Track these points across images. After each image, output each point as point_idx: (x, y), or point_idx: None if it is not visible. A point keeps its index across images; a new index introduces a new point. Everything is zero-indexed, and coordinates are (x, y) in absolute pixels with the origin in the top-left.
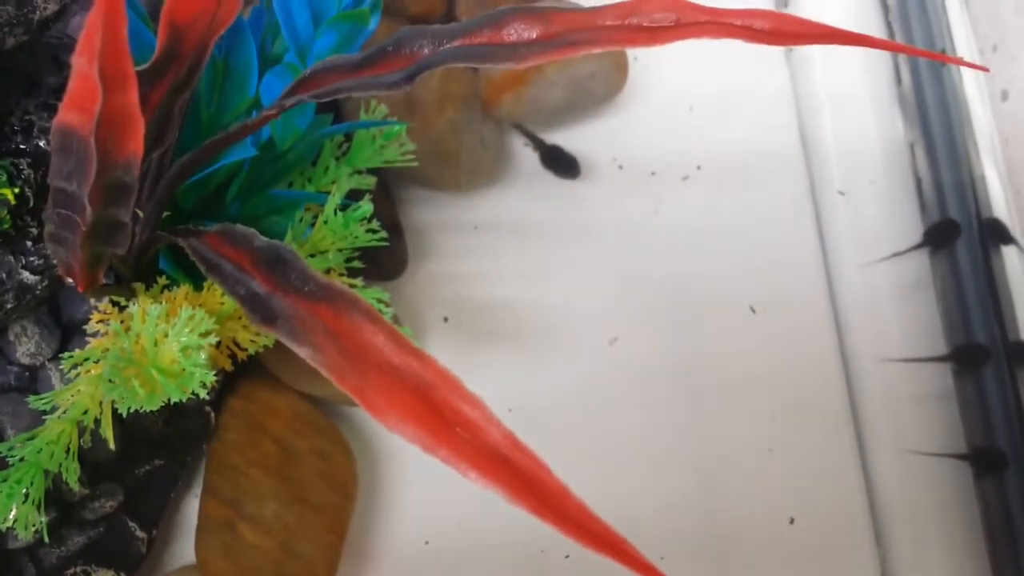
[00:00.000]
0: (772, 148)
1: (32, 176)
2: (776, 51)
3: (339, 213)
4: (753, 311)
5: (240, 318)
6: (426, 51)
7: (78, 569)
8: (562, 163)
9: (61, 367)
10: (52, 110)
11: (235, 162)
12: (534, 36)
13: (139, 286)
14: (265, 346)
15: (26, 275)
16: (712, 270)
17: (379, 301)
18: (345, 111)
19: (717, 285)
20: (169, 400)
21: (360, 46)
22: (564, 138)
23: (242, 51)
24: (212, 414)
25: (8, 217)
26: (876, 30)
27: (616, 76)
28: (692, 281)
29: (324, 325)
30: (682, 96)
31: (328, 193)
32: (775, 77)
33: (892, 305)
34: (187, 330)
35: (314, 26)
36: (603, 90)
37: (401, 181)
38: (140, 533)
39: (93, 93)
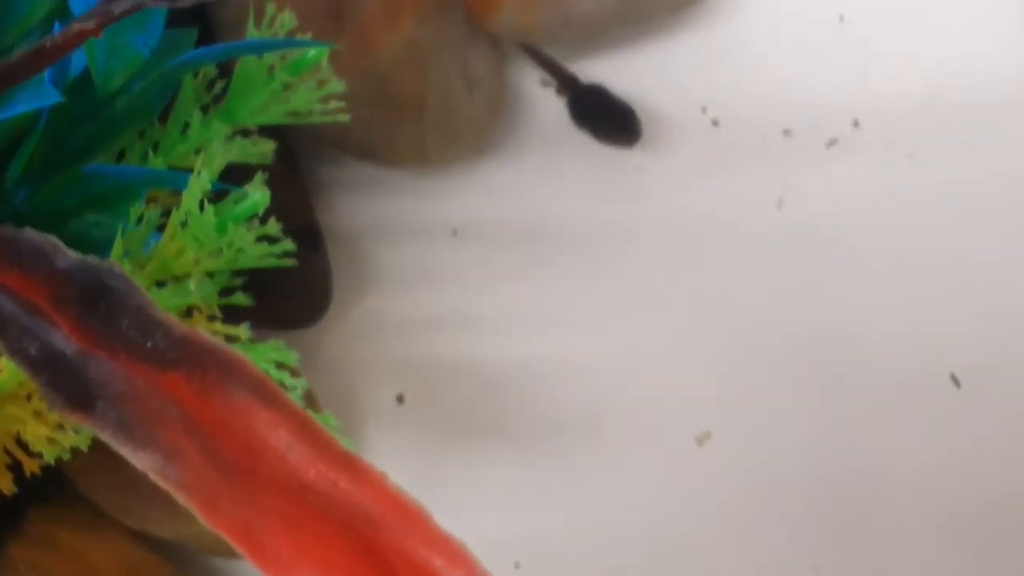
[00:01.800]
0: (991, 88)
1: None
2: None
3: (209, 207)
4: (957, 383)
5: (29, 399)
6: None
7: None
8: (608, 116)
9: None
10: None
11: (22, 116)
12: None
13: None
14: (75, 450)
15: None
16: (882, 309)
17: (281, 366)
18: (221, 24)
19: (891, 336)
20: None
21: None
22: (613, 73)
23: None
24: None
25: None
26: None
27: None
28: (844, 329)
29: (181, 411)
30: None
31: (189, 171)
32: None
33: None
34: None
35: None
36: None
37: (321, 150)
38: None
39: None
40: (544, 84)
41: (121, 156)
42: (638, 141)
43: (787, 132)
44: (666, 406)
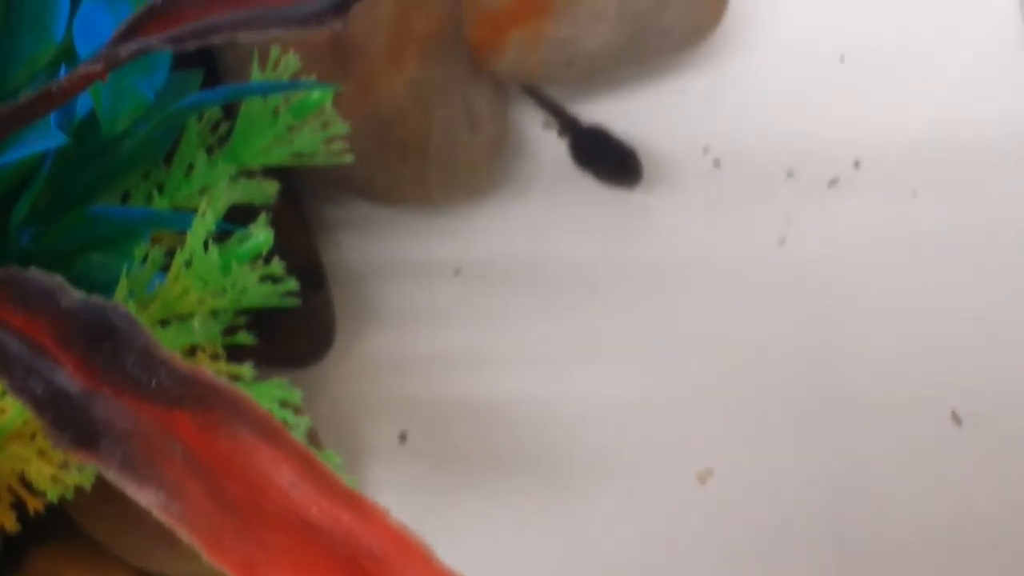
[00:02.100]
0: (991, 130)
1: None
2: None
3: (213, 247)
4: (958, 420)
5: (33, 437)
6: None
7: None
8: (609, 158)
9: None
10: None
11: (28, 157)
12: None
13: None
14: (79, 488)
15: None
16: (883, 347)
17: (284, 405)
18: (226, 66)
19: (892, 374)
20: None
21: None
22: (616, 113)
23: None
24: None
25: None
26: None
27: (708, 2)
28: (846, 367)
29: (185, 449)
30: (825, 37)
31: (194, 211)
32: (991, 8)
33: None
34: None
35: None
36: (685, 27)
37: (325, 191)
38: None
39: None
40: (546, 126)
41: (126, 197)
42: (639, 182)
43: (789, 172)
44: (668, 443)
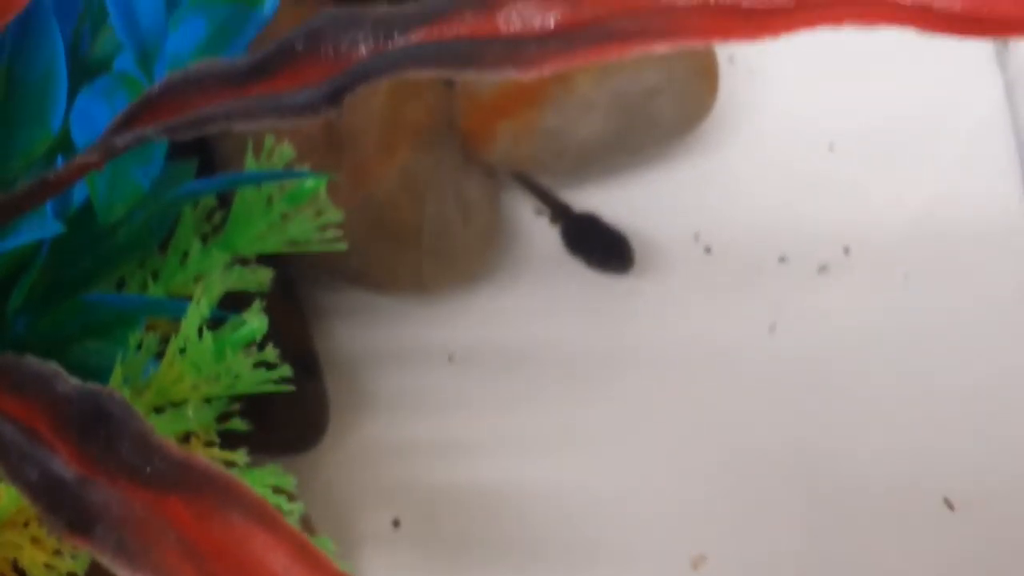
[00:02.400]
0: (976, 215)
1: None
2: (980, 51)
3: (208, 334)
4: (950, 507)
5: (27, 524)
6: (363, 50)
7: None
8: (600, 244)
9: None
10: None
11: (25, 245)
12: (551, 24)
13: None
14: (72, 575)
15: None
16: (875, 433)
17: (278, 491)
18: (220, 155)
19: (885, 461)
20: None
21: (248, 42)
22: (607, 200)
23: (40, 51)
24: None
25: None
26: None
27: (698, 92)
28: (838, 453)
29: (179, 534)
30: (814, 126)
31: (188, 299)
32: (978, 95)
33: None
34: None
35: (168, 8)
36: (675, 116)
37: (318, 278)
38: None
39: None
40: (538, 212)
41: (121, 284)
42: (631, 268)
43: (779, 259)
44: (661, 529)
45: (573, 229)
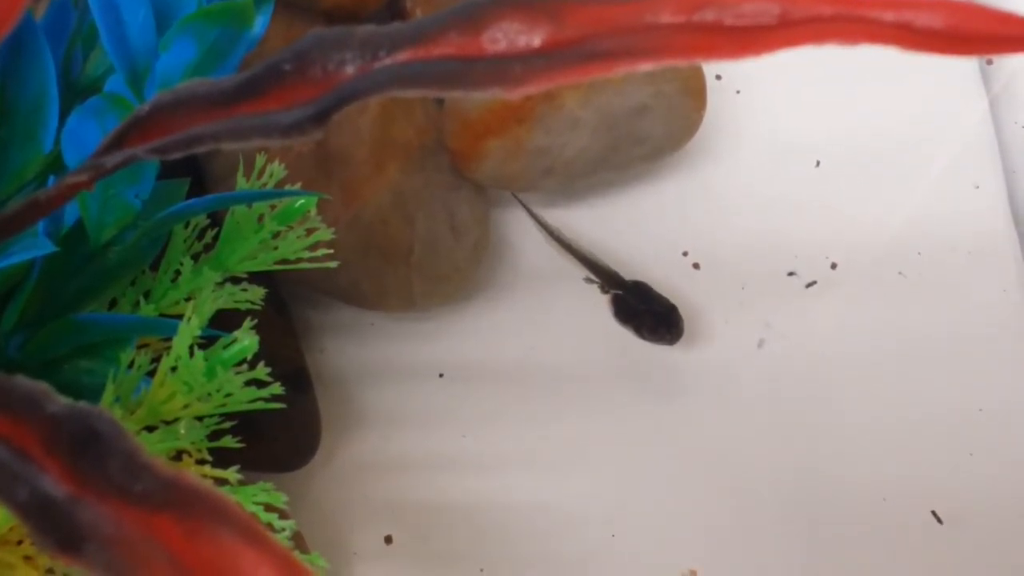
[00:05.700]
0: (961, 230)
1: None
2: (965, 67)
3: (199, 353)
4: (939, 520)
5: (20, 543)
6: (350, 69)
7: None
8: (651, 317)
9: None
10: None
11: (16, 265)
12: (536, 43)
13: None
14: None
15: None
16: (863, 447)
17: (269, 508)
18: (211, 174)
19: (873, 474)
20: None
21: (238, 62)
22: (595, 218)
23: (31, 73)
24: None
25: None
26: None
27: (686, 110)
28: (826, 467)
29: (169, 552)
30: (800, 143)
31: (180, 317)
32: (963, 112)
33: None
34: None
35: (158, 30)
36: (663, 134)
37: (310, 296)
38: None
39: None
40: (587, 281)
41: (113, 304)
42: (680, 339)
43: (767, 274)
44: (652, 544)
45: (623, 299)
